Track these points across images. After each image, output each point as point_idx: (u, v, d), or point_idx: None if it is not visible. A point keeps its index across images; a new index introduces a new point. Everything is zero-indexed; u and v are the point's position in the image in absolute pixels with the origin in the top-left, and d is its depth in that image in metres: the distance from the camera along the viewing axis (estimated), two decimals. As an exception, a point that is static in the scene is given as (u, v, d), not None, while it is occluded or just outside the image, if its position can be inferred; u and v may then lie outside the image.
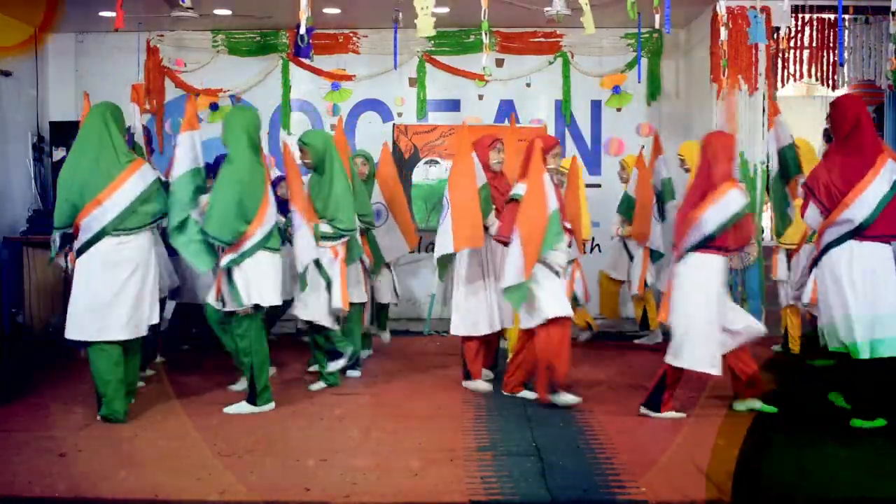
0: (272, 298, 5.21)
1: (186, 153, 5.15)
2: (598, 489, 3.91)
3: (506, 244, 5.30)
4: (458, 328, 5.77)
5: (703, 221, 4.84)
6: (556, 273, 5.30)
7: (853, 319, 4.81)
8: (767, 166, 7.45)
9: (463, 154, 5.62)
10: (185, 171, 5.12)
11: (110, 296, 4.90)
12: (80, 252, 4.94)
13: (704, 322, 4.89)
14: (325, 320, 5.70)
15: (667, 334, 5.82)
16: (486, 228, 5.67)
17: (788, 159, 5.72)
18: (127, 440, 4.67)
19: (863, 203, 4.83)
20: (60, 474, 4.11)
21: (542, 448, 4.48)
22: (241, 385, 5.55)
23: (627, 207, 7.38)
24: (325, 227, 5.65)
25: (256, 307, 5.19)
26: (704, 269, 4.90)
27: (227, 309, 5.17)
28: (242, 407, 5.22)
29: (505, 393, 5.61)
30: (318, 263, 5.59)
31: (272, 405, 5.29)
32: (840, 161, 4.97)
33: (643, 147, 7.73)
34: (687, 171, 7.27)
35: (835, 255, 4.91)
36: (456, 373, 6.06)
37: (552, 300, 5.21)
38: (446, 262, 5.76)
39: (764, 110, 7.65)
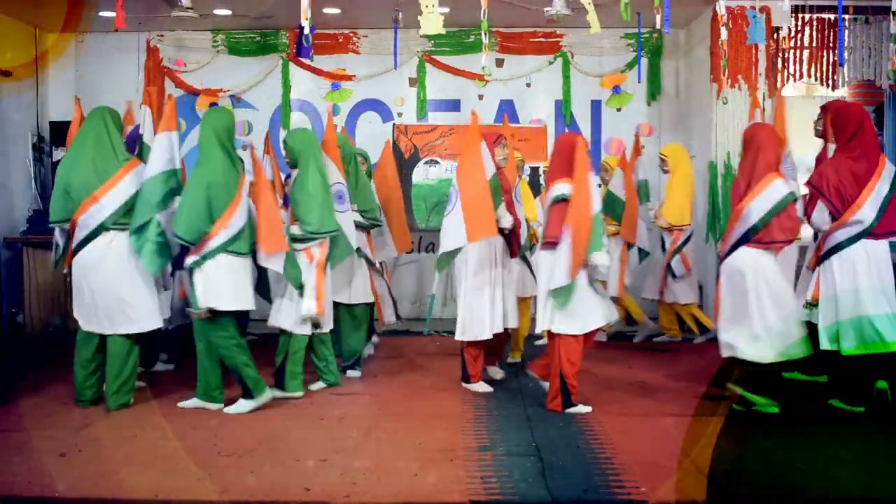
0: (230, 303, 5.12)
1: (162, 154, 5.17)
2: (598, 489, 3.91)
3: (554, 245, 5.11)
4: (464, 334, 5.67)
5: (748, 213, 4.87)
6: (592, 277, 5.17)
7: (864, 298, 4.98)
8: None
9: (472, 144, 5.54)
10: (158, 172, 5.14)
11: (104, 290, 5.11)
12: (79, 248, 5.12)
13: (751, 316, 4.90)
14: (296, 328, 5.55)
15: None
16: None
17: None
18: (127, 440, 4.68)
19: (872, 204, 5.00)
20: (60, 474, 4.11)
21: (542, 448, 4.48)
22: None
23: (612, 207, 7.34)
24: (294, 230, 5.53)
25: (214, 311, 5.12)
26: (750, 263, 4.90)
27: (189, 310, 5.15)
28: (241, 405, 5.21)
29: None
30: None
31: (269, 393, 5.25)
32: (847, 164, 5.09)
33: (624, 150, 7.74)
34: (666, 172, 7.30)
35: (847, 254, 5.05)
36: (456, 373, 6.06)
37: (567, 316, 5.11)
38: (446, 257, 5.65)
39: (764, 110, 7.66)
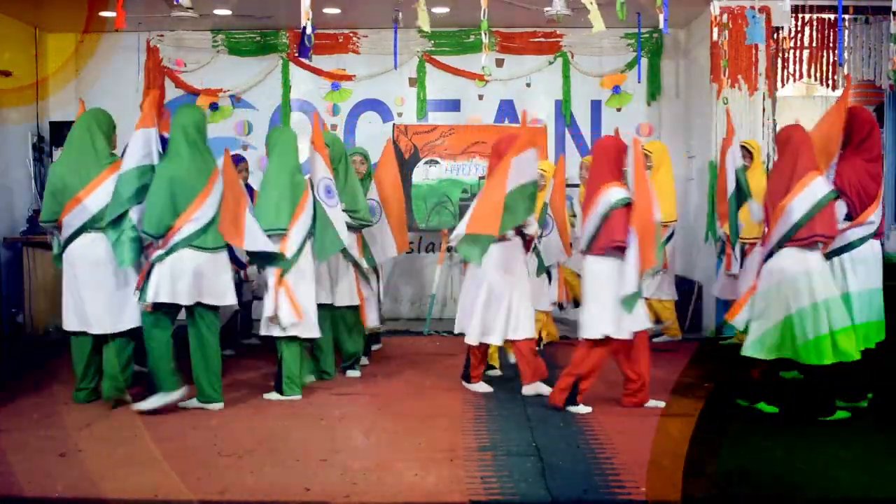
0: (185, 298, 5.09)
1: (137, 150, 5.21)
2: (598, 489, 3.91)
3: (619, 250, 5.07)
4: (481, 336, 5.61)
5: (790, 211, 4.88)
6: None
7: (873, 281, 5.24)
8: (768, 166, 7.48)
9: (520, 149, 5.46)
10: (132, 167, 5.17)
11: (90, 289, 5.22)
12: (64, 248, 5.27)
13: (779, 316, 4.92)
14: (266, 330, 5.53)
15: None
16: (521, 229, 5.60)
17: (741, 181, 6.01)
18: (127, 440, 4.68)
19: (880, 204, 5.17)
20: (60, 474, 4.11)
21: (542, 448, 4.48)
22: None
23: None
24: None
25: (162, 305, 5.09)
26: (793, 264, 4.90)
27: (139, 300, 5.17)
28: (151, 399, 5.13)
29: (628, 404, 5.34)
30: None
31: (179, 392, 5.15)
32: (863, 165, 5.19)
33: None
34: (649, 168, 7.30)
35: (858, 253, 5.17)
36: (456, 373, 6.06)
37: (619, 321, 5.10)
38: (474, 247, 5.49)
39: (764, 110, 7.67)
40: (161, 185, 5.07)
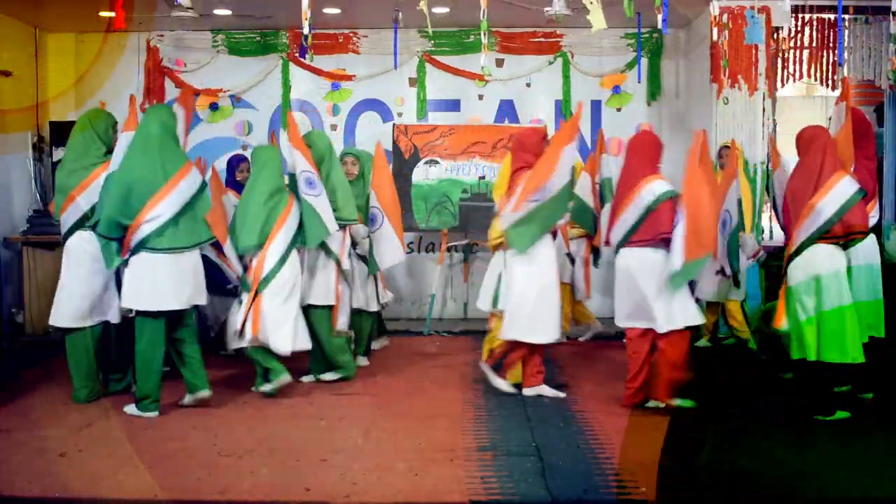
0: (149, 304, 5.05)
1: (121, 153, 5.22)
2: (598, 489, 3.91)
3: (665, 242, 5.11)
4: (530, 334, 5.50)
5: (819, 210, 4.93)
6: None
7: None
8: (767, 167, 7.49)
9: (561, 143, 5.49)
10: (114, 170, 5.19)
11: (75, 284, 5.32)
12: (63, 244, 5.40)
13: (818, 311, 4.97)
14: (235, 343, 5.60)
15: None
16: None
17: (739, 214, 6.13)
18: (127, 440, 4.68)
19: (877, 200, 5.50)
20: (60, 474, 4.11)
21: (542, 448, 4.48)
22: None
23: (578, 210, 7.00)
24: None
25: (150, 314, 5.08)
26: (823, 258, 4.96)
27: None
28: (129, 408, 5.19)
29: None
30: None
31: (153, 412, 5.12)
32: (862, 163, 5.39)
33: (592, 154, 7.70)
34: None
35: (862, 247, 5.35)
36: (456, 373, 6.05)
37: (683, 308, 5.15)
38: (525, 233, 5.51)
39: (764, 110, 7.67)
40: (114, 186, 5.07)
